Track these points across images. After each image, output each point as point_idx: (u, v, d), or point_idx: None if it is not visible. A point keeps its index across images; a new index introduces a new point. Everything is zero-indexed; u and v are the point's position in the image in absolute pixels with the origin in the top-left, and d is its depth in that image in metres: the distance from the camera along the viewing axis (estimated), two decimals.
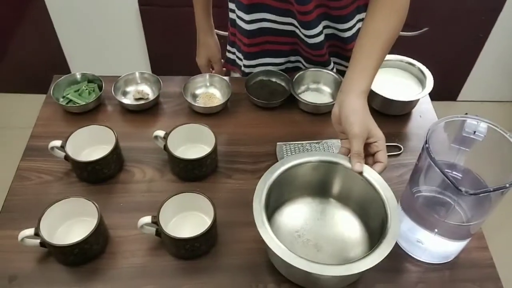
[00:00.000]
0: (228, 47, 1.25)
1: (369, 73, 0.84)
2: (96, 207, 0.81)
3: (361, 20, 1.12)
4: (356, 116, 0.79)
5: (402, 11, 0.88)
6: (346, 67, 1.19)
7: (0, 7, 1.93)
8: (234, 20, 1.15)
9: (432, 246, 0.81)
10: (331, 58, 1.18)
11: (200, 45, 1.28)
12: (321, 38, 1.10)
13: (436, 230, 0.77)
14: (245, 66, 1.20)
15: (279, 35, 1.12)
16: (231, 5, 1.14)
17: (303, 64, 1.19)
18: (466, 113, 0.81)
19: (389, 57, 1.14)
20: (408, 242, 0.84)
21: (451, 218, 0.76)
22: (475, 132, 0.77)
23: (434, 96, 1.14)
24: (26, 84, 2.21)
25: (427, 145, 0.72)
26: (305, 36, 1.09)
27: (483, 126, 0.77)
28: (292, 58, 1.19)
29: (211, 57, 1.29)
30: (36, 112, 1.08)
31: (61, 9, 1.92)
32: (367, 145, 0.81)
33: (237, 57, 1.23)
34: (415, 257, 0.84)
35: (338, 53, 1.18)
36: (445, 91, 2.22)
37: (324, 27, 1.10)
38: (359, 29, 1.12)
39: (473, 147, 0.80)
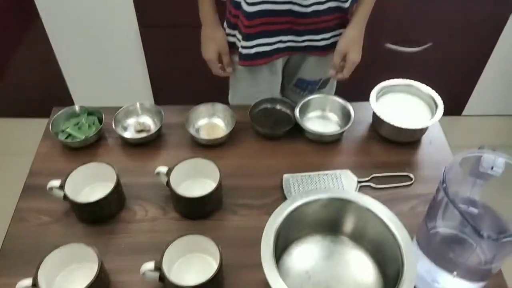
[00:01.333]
0: (229, 30, 1.23)
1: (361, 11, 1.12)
2: (97, 253, 0.77)
3: None
4: (343, 39, 1.14)
5: None
6: None
7: None
8: (239, 2, 1.14)
9: None
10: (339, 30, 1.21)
11: (208, 39, 1.25)
12: (319, 7, 1.12)
13: (455, 272, 0.73)
14: (242, 47, 1.19)
15: (277, 16, 1.13)
16: None
17: (294, 42, 1.20)
18: (482, 146, 0.77)
19: (398, 81, 1.12)
20: (424, 283, 0.80)
21: (472, 259, 0.72)
22: (492, 167, 0.74)
23: None
24: (26, 109, 2.18)
25: (444, 185, 0.68)
26: (302, 6, 1.11)
27: (500, 161, 0.73)
28: (284, 38, 1.19)
29: (220, 50, 1.26)
30: (36, 138, 1.05)
31: (60, 32, 1.90)
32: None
33: (237, 39, 1.22)
34: None
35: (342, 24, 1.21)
36: (450, 106, 2.16)
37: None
38: None
39: (490, 181, 0.76)
